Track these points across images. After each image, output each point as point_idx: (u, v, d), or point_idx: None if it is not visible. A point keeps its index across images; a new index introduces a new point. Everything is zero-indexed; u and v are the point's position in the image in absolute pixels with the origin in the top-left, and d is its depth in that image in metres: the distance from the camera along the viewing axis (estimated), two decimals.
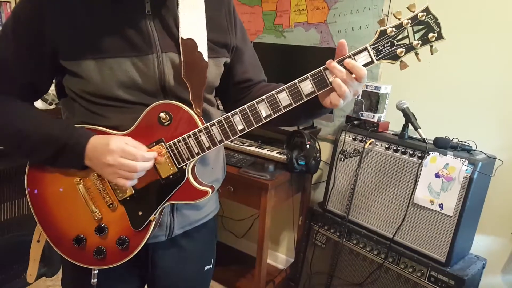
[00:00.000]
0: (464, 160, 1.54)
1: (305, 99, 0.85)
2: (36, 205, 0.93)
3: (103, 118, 0.89)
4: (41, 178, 0.93)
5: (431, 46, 0.82)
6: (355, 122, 1.88)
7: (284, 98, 0.84)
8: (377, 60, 0.82)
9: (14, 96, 0.89)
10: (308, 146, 1.88)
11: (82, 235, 0.92)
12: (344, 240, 1.90)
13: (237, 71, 1.05)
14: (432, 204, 1.62)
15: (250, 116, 0.86)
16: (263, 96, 0.85)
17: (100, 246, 0.91)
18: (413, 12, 0.80)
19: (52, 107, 2.10)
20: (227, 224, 2.74)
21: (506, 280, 1.78)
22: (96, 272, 0.94)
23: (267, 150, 2.02)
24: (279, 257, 2.60)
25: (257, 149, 2.02)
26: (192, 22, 0.92)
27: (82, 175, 0.90)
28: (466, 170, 1.53)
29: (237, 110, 0.86)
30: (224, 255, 2.22)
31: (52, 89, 1.00)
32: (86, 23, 0.83)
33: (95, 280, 0.94)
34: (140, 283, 1.09)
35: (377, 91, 1.81)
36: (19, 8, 0.84)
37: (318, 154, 1.94)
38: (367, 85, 1.84)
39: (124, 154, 0.82)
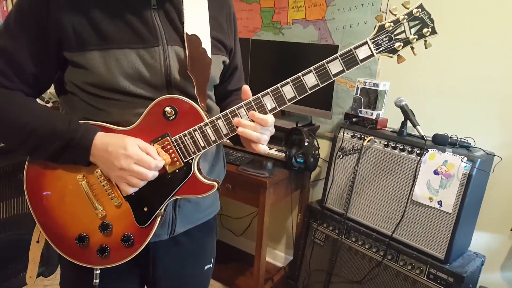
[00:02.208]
0: (462, 157, 1.54)
1: (309, 92, 0.87)
2: (36, 204, 0.91)
3: (105, 113, 0.88)
4: (41, 176, 0.90)
5: (425, 41, 0.87)
6: (354, 119, 1.88)
7: (288, 91, 0.87)
8: (376, 53, 0.86)
9: (17, 91, 0.86)
10: (306, 143, 1.88)
11: (85, 234, 0.90)
12: (343, 237, 1.90)
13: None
14: (431, 201, 1.62)
15: (255, 109, 0.87)
16: (268, 90, 0.86)
17: (104, 244, 0.90)
18: (408, 8, 0.86)
19: (49, 105, 2.08)
20: (225, 222, 2.74)
21: (505, 276, 1.79)
22: (98, 272, 0.93)
23: None
24: (278, 255, 2.60)
25: None
26: (196, 19, 0.93)
27: (86, 171, 0.88)
28: (465, 167, 1.53)
29: (242, 103, 0.87)
30: (222, 253, 2.21)
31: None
32: (92, 14, 0.83)
33: (97, 281, 0.93)
34: (140, 283, 1.08)
35: (376, 88, 1.80)
36: (22, 0, 0.83)
37: (317, 152, 1.94)
38: (365, 82, 1.84)
39: (140, 162, 0.82)
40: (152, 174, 0.84)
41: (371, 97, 1.83)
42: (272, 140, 2.08)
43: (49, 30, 0.82)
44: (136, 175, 0.82)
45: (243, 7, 2.38)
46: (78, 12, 0.82)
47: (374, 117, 1.83)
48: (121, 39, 0.84)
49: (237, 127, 0.87)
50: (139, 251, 0.91)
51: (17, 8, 0.83)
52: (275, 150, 1.99)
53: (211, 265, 1.17)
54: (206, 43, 0.93)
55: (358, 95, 1.87)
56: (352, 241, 1.88)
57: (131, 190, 0.85)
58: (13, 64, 0.84)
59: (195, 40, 0.91)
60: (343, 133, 1.89)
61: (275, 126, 0.94)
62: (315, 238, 2.03)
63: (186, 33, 0.90)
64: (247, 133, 0.86)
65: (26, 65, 0.84)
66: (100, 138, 0.84)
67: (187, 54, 0.89)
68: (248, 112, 0.87)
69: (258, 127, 0.86)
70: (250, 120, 0.87)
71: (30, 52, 0.83)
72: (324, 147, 2.21)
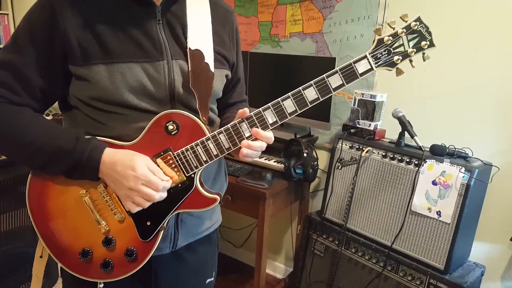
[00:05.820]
0: (460, 167, 1.55)
1: (310, 106, 0.88)
2: (38, 218, 0.91)
3: (107, 127, 0.89)
4: (43, 190, 0.90)
5: (423, 54, 0.88)
6: (352, 131, 1.89)
7: (289, 105, 0.88)
8: (376, 67, 0.87)
9: (25, 107, 0.86)
10: (305, 154, 1.89)
11: (88, 248, 0.90)
12: (343, 248, 1.90)
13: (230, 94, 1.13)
14: (430, 212, 1.63)
15: (257, 123, 0.88)
16: (269, 104, 0.87)
17: (107, 259, 0.90)
18: (406, 22, 0.86)
19: (49, 118, 2.10)
20: (225, 233, 2.73)
21: (505, 286, 1.79)
22: (101, 286, 0.93)
23: (265, 159, 2.02)
24: (278, 267, 2.59)
25: None
26: (200, 34, 0.94)
27: (88, 186, 0.89)
28: (463, 177, 1.54)
29: (244, 118, 0.88)
30: (222, 265, 2.20)
31: None
32: (98, 27, 0.84)
33: None
34: None
35: (373, 100, 1.82)
36: (30, 15, 0.84)
37: (316, 163, 1.95)
38: (363, 94, 1.86)
39: (148, 184, 0.82)
40: (159, 196, 0.84)
41: (369, 108, 1.85)
42: (271, 151, 2.09)
43: (56, 43, 0.83)
44: (144, 196, 0.83)
45: (242, 21, 2.41)
46: (84, 26, 0.83)
47: (372, 128, 1.85)
48: (126, 53, 0.85)
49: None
50: (142, 265, 0.91)
51: (26, 22, 0.84)
52: (274, 161, 2.00)
53: (212, 279, 1.17)
54: (209, 58, 0.94)
55: (356, 106, 1.89)
56: (352, 252, 1.87)
57: (136, 209, 0.85)
58: (21, 79, 0.84)
59: (198, 54, 0.92)
60: (342, 144, 1.90)
61: (274, 137, 0.95)
62: (315, 249, 2.03)
63: (189, 48, 0.91)
64: (249, 154, 0.88)
65: (34, 79, 0.85)
66: (108, 156, 0.84)
67: (189, 69, 0.90)
68: (250, 126, 0.87)
69: (263, 146, 0.89)
70: (253, 139, 0.88)
71: (38, 65, 0.84)
72: (322, 158, 2.22)
